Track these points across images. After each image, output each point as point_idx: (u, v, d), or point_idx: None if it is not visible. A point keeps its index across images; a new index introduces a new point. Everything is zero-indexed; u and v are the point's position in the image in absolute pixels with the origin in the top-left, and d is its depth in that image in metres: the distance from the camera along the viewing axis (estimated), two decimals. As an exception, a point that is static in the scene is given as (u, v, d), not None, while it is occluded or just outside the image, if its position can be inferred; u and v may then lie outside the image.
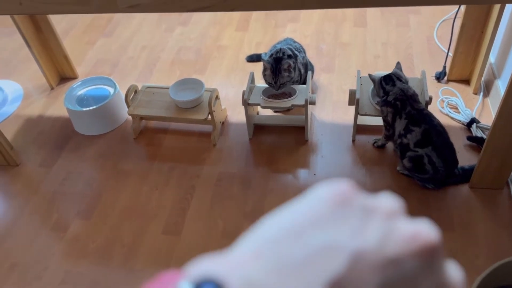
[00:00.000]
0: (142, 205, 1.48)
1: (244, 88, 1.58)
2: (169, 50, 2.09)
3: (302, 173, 1.52)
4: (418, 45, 1.96)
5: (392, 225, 0.23)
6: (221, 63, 1.98)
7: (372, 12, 2.15)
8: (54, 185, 1.57)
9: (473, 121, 1.56)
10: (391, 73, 1.43)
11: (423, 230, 0.23)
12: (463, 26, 1.57)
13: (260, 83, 1.65)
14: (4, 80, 2.03)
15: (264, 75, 1.57)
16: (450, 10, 2.09)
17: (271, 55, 1.57)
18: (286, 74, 1.54)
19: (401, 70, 1.46)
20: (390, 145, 1.54)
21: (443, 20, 2.06)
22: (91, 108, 1.67)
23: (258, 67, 1.82)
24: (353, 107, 1.54)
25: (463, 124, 1.59)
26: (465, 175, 1.40)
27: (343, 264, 0.21)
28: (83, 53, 2.13)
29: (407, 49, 1.94)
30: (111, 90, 1.77)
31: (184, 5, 1.10)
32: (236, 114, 1.74)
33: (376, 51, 1.95)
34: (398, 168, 1.46)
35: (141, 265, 1.32)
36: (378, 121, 1.53)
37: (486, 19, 1.53)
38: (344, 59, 1.93)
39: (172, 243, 1.36)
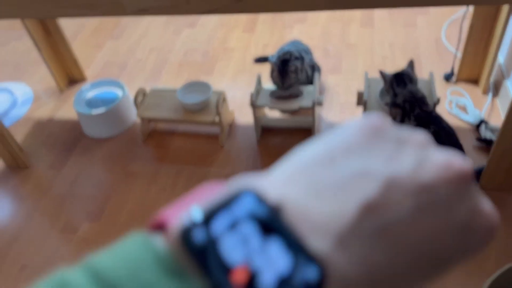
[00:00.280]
0: (150, 207, 1.49)
1: (251, 89, 1.58)
2: (176, 52, 2.10)
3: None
4: (426, 45, 1.95)
5: (425, 154, 0.23)
6: (228, 65, 1.99)
7: (379, 13, 2.14)
8: (63, 187, 1.59)
9: (482, 122, 1.55)
10: (403, 73, 1.41)
11: (456, 159, 0.23)
12: (471, 26, 1.57)
13: (268, 84, 1.65)
14: (13, 83, 2.05)
15: (272, 77, 1.58)
16: (458, 10, 2.08)
17: (279, 57, 1.57)
18: (293, 75, 1.54)
19: (413, 69, 1.44)
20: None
21: (451, 20, 2.05)
22: (100, 111, 1.68)
23: (265, 68, 1.82)
24: (360, 108, 1.54)
25: (472, 125, 1.58)
26: (474, 176, 1.40)
27: (377, 189, 0.21)
28: (91, 55, 2.15)
29: (414, 50, 1.93)
30: (120, 92, 1.78)
31: (191, 8, 1.10)
32: (243, 116, 1.74)
33: (383, 52, 1.95)
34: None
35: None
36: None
37: (494, 19, 1.52)
38: (351, 60, 1.93)
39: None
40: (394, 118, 1.41)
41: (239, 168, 1.56)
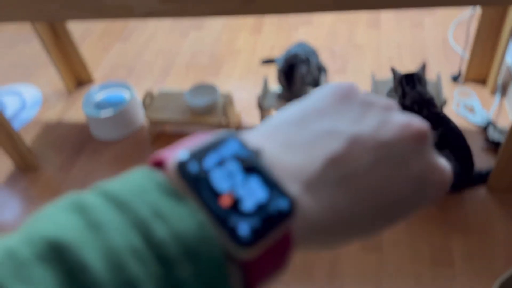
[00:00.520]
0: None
1: (258, 91, 1.59)
2: (183, 55, 2.11)
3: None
4: (432, 46, 1.95)
5: (388, 116, 0.26)
6: (235, 66, 2.00)
7: (385, 14, 2.14)
8: (72, 189, 1.60)
9: (489, 123, 1.55)
10: (413, 73, 1.41)
11: (415, 121, 0.26)
12: (478, 27, 1.56)
13: (274, 86, 1.66)
14: (22, 85, 2.07)
15: (279, 79, 1.58)
16: (465, 11, 2.07)
17: (286, 60, 1.58)
18: (300, 80, 1.54)
19: (424, 72, 1.44)
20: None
21: (458, 21, 2.04)
22: (108, 114, 1.69)
23: (272, 70, 1.83)
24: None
25: (479, 127, 1.58)
26: (482, 178, 1.39)
27: (341, 145, 0.24)
28: (99, 58, 2.16)
29: (421, 51, 1.93)
30: (128, 95, 1.79)
31: (199, 11, 1.11)
32: (250, 118, 1.75)
33: (390, 53, 1.94)
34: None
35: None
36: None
37: (502, 19, 1.52)
38: (358, 61, 1.93)
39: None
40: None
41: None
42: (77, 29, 2.33)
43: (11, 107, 1.96)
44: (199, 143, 0.23)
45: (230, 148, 0.23)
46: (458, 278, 1.22)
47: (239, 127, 1.72)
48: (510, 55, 1.68)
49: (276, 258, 0.22)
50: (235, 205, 0.21)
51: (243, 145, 0.23)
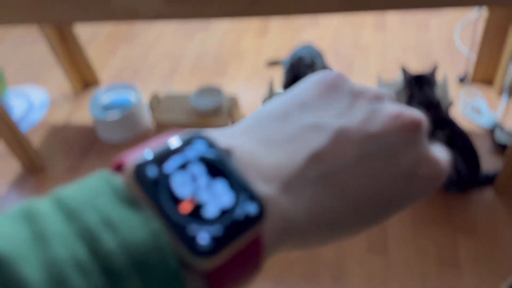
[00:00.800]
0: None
1: (264, 93, 1.59)
2: (189, 56, 2.11)
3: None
4: (439, 47, 1.94)
5: (378, 107, 0.24)
6: (240, 68, 2.00)
7: (391, 15, 2.14)
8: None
9: (496, 125, 1.54)
10: (424, 75, 1.39)
11: (406, 111, 0.24)
12: (485, 27, 1.56)
13: (280, 88, 1.66)
14: (29, 87, 2.09)
15: (284, 83, 1.58)
16: (471, 11, 2.06)
17: (291, 63, 1.58)
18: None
19: (434, 74, 1.42)
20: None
21: (464, 22, 2.04)
22: (115, 116, 1.70)
23: (277, 72, 1.83)
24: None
25: (486, 129, 1.57)
26: (489, 180, 1.39)
27: (325, 140, 0.23)
28: (105, 60, 2.17)
29: (427, 52, 1.92)
30: (134, 97, 1.80)
31: (206, 12, 1.11)
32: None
33: (395, 54, 1.94)
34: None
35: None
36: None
37: (509, 19, 1.51)
38: (363, 63, 1.93)
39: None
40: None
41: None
42: (83, 32, 2.34)
43: (18, 109, 1.98)
44: (164, 144, 0.21)
45: (196, 149, 0.21)
46: (465, 280, 1.22)
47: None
48: (517, 56, 1.67)
49: (245, 264, 0.20)
50: (196, 211, 0.19)
51: (211, 145, 0.21)
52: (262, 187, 0.21)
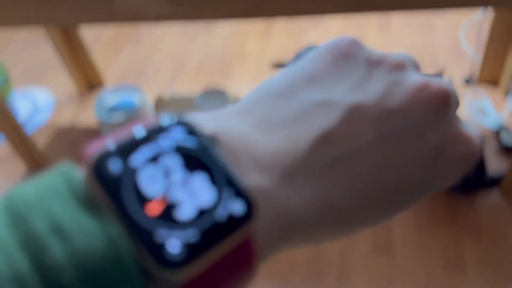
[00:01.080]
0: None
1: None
2: (193, 58, 2.12)
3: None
4: (444, 48, 1.93)
5: (399, 77, 0.21)
6: (245, 70, 2.00)
7: (396, 16, 2.13)
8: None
9: (502, 127, 1.53)
10: (430, 77, 1.40)
11: (433, 81, 0.21)
12: (491, 28, 1.55)
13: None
14: (34, 88, 2.09)
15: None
16: (476, 12, 2.05)
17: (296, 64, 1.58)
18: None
19: (441, 76, 1.42)
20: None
21: (470, 22, 2.03)
22: (121, 119, 1.71)
23: (282, 73, 1.83)
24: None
25: (492, 131, 1.56)
26: (495, 182, 1.38)
27: (336, 119, 0.19)
28: (110, 61, 2.18)
29: (433, 53, 1.92)
30: (139, 99, 1.81)
31: (209, 13, 1.11)
32: (260, 121, 1.75)
33: (401, 55, 1.93)
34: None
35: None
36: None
37: (514, 21, 1.50)
38: (369, 64, 1.92)
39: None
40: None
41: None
42: (88, 34, 2.35)
43: (24, 111, 1.99)
44: (132, 133, 0.17)
45: (171, 138, 0.17)
46: (470, 281, 1.21)
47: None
48: (522, 57, 1.66)
49: (231, 272, 0.17)
50: (168, 213, 0.16)
51: (191, 132, 0.18)
52: (257, 179, 0.18)
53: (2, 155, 1.80)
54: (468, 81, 1.73)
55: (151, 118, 0.19)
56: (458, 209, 1.36)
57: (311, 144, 0.19)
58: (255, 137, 0.19)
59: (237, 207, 0.16)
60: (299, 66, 0.22)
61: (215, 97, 1.68)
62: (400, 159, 0.20)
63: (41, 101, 2.02)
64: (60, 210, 0.15)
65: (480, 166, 1.32)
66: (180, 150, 0.17)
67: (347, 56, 0.22)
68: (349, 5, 1.04)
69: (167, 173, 0.17)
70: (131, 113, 1.71)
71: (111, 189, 0.16)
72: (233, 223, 0.16)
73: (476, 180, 1.33)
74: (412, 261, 1.27)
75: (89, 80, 2.02)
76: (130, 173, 0.16)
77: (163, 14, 1.14)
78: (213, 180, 0.17)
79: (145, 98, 1.79)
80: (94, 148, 0.17)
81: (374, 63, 0.21)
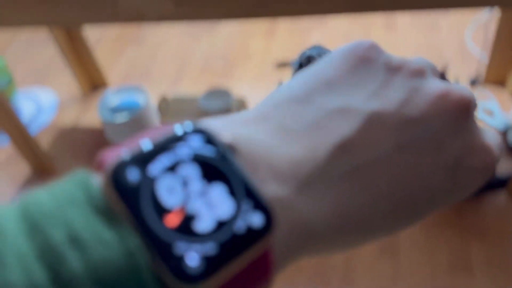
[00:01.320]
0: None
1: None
2: (196, 58, 2.11)
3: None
4: (450, 48, 1.92)
5: (419, 84, 0.20)
6: (248, 70, 1.99)
7: (402, 16, 2.12)
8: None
9: (509, 127, 1.52)
10: None
11: (454, 89, 0.21)
12: (497, 27, 1.54)
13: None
14: (38, 88, 2.10)
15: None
16: (482, 12, 2.04)
17: (299, 62, 1.57)
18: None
19: (444, 75, 1.41)
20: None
21: (476, 22, 2.01)
22: (124, 119, 1.70)
23: (286, 74, 1.82)
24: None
25: (499, 130, 1.55)
26: (502, 183, 1.36)
27: (355, 127, 0.19)
28: (113, 61, 2.18)
29: (439, 53, 1.90)
30: (143, 99, 1.80)
31: (213, 13, 1.11)
32: (264, 121, 1.74)
33: (406, 55, 1.92)
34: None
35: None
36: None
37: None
38: (373, 64, 1.91)
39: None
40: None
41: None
42: (91, 34, 2.35)
43: (27, 111, 1.99)
44: (152, 140, 0.17)
45: (189, 146, 0.17)
46: (477, 283, 1.20)
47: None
48: (529, 57, 1.65)
49: (248, 284, 0.17)
50: (186, 225, 0.16)
51: (209, 140, 0.17)
52: (275, 188, 0.18)
53: (6, 156, 1.80)
54: (474, 82, 1.72)
55: (166, 125, 0.18)
56: (464, 210, 1.35)
57: (330, 153, 0.19)
58: (272, 145, 0.19)
59: (256, 219, 0.16)
60: (316, 70, 0.22)
61: (219, 97, 1.67)
62: (419, 168, 0.19)
63: (45, 102, 2.02)
64: (77, 219, 0.15)
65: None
66: (198, 159, 0.17)
67: (366, 61, 0.21)
68: (354, 5, 1.03)
69: (185, 183, 0.16)
70: (135, 114, 1.71)
71: (129, 198, 0.16)
72: (252, 235, 0.16)
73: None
74: (418, 263, 1.26)
75: (92, 81, 2.02)
76: (149, 182, 0.16)
77: (165, 14, 1.13)
78: (232, 191, 0.17)
79: (149, 98, 1.78)
80: (111, 156, 0.17)
81: (394, 69, 0.21)
